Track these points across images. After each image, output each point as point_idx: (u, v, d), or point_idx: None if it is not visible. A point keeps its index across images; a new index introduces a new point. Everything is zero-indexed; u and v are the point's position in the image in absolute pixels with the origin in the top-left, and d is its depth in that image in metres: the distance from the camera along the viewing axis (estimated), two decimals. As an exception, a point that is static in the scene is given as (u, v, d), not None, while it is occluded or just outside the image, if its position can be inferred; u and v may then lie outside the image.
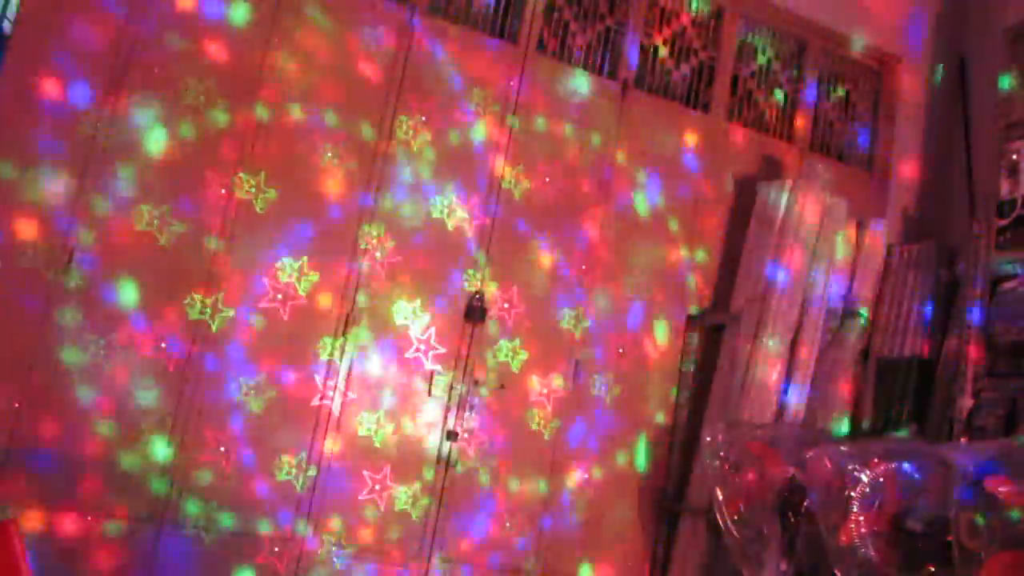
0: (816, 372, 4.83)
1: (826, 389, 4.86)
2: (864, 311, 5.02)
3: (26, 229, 3.80)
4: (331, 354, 4.29)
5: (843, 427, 4.85)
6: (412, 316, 4.46)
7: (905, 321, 4.94)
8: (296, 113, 4.29)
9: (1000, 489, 2.98)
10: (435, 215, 4.55)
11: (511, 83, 4.75)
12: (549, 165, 4.82)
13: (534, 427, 4.66)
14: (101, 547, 3.82)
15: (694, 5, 5.32)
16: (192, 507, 3.99)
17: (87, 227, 3.89)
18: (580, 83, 4.93)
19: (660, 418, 4.96)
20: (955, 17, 5.88)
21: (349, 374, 4.32)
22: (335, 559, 4.22)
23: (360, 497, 4.29)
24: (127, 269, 3.95)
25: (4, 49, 3.86)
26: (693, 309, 5.08)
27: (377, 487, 4.32)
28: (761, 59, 5.55)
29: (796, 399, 4.75)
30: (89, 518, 3.81)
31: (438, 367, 4.49)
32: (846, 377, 4.92)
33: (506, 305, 4.65)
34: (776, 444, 4.15)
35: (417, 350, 4.46)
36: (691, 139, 5.19)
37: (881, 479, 3.43)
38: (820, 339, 4.87)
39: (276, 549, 4.13)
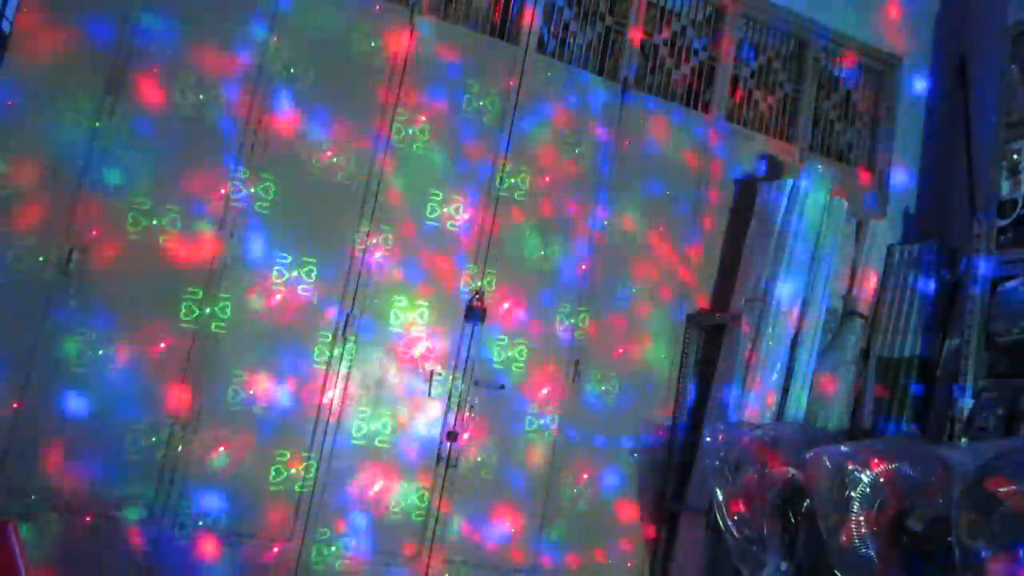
0: (816, 372, 4.83)
1: (826, 389, 4.85)
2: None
3: (26, 229, 3.80)
4: (331, 354, 4.29)
5: (843, 427, 4.85)
6: (412, 316, 4.46)
7: (905, 321, 4.94)
8: (295, 112, 4.30)
9: (1000, 489, 2.98)
10: (435, 215, 4.55)
11: (511, 83, 4.75)
12: (549, 165, 4.82)
13: (534, 427, 4.66)
14: (99, 547, 3.82)
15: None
16: (192, 507, 3.99)
17: (87, 226, 3.89)
18: (580, 83, 4.93)
19: (660, 418, 4.95)
20: (955, 17, 5.88)
21: (349, 374, 4.32)
22: (335, 560, 4.22)
23: (360, 497, 4.29)
24: (127, 269, 3.95)
25: (4, 49, 3.86)
26: (693, 309, 5.08)
27: (377, 487, 4.32)
28: (761, 59, 5.55)
29: (795, 399, 4.74)
30: (88, 517, 3.81)
31: (438, 367, 4.49)
32: (846, 377, 4.92)
33: (506, 305, 4.65)
34: (776, 444, 4.15)
35: (417, 350, 4.46)
36: (691, 139, 5.19)
37: (881, 479, 3.43)
38: (820, 339, 4.86)
39: (276, 550, 4.13)
